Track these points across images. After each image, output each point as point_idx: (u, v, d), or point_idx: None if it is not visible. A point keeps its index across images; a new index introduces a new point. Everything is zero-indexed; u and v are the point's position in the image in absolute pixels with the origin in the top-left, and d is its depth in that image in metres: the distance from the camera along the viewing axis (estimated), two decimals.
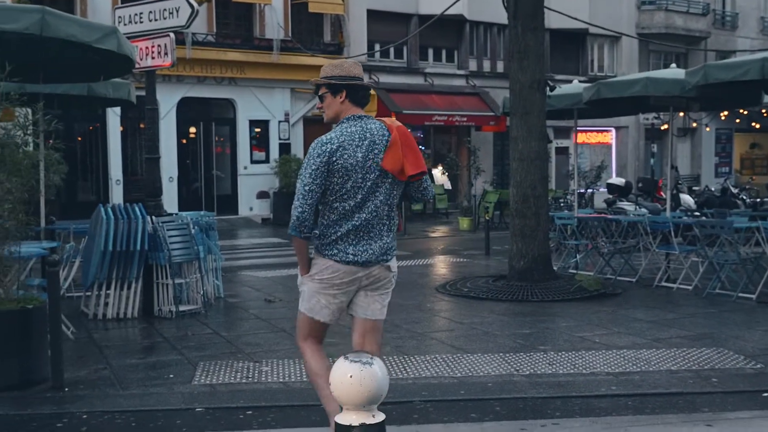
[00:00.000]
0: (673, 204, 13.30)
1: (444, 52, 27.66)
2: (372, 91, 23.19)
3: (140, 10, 9.36)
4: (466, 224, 21.24)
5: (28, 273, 8.10)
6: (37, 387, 6.18)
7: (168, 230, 9.06)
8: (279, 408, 5.76)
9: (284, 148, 23.73)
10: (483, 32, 28.23)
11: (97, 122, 21.15)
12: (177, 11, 8.95)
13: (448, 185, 25.87)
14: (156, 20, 9.18)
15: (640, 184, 20.86)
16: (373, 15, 25.37)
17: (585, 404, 5.81)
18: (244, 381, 6.42)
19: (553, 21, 18.30)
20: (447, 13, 17.13)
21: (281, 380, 6.42)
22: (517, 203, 10.71)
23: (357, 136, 4.41)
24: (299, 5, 23.63)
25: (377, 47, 25.31)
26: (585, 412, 5.65)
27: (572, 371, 6.61)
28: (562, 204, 21.11)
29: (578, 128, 14.12)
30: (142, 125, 21.69)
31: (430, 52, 27.26)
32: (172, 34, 9.10)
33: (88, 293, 9.10)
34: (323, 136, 4.43)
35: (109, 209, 8.77)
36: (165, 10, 9.07)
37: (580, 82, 14.52)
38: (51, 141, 7.12)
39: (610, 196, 18.16)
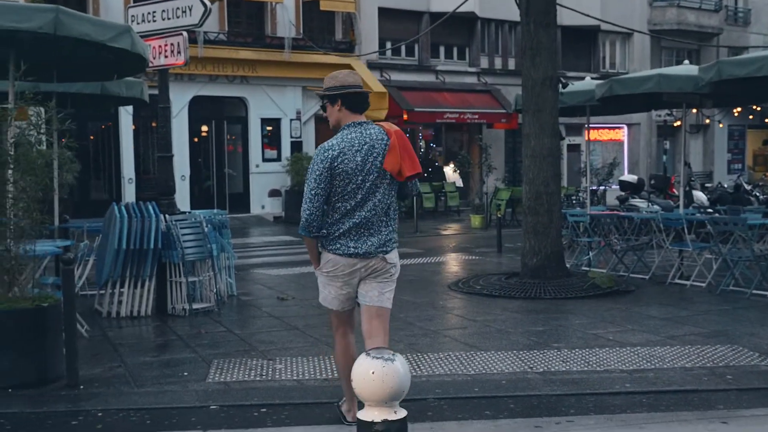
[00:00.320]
0: (686, 201, 13.25)
1: (455, 50, 27.62)
2: (383, 89, 23.21)
3: (153, 8, 9.38)
4: (478, 222, 21.22)
5: (42, 271, 8.13)
6: (52, 385, 6.21)
7: (181, 228, 9.08)
8: (293, 406, 5.77)
9: (296, 146, 23.75)
10: (494, 29, 28.17)
11: (110, 121, 21.21)
12: (190, 10, 8.96)
13: (459, 183, 25.85)
14: (169, 19, 9.20)
15: (652, 181, 20.76)
16: (384, 12, 25.35)
17: (599, 401, 5.80)
18: (258, 379, 6.43)
19: (564, 18, 18.27)
20: (458, 10, 17.12)
21: (295, 378, 6.43)
22: (530, 200, 10.68)
23: (357, 141, 4.82)
24: (311, 3, 23.63)
25: (389, 45, 25.31)
26: (599, 409, 5.64)
27: (586, 368, 6.60)
28: (574, 201, 21.06)
29: (590, 125, 14.07)
30: (154, 124, 21.76)
31: (442, 49, 27.23)
32: (185, 33, 9.12)
33: (102, 291, 9.14)
34: (326, 143, 4.88)
35: (123, 208, 8.80)
36: (178, 8, 9.09)
37: (592, 79, 14.46)
38: (64, 140, 7.15)
39: (623, 193, 18.09)
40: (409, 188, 5.07)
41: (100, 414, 5.64)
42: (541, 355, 7.00)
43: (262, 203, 23.41)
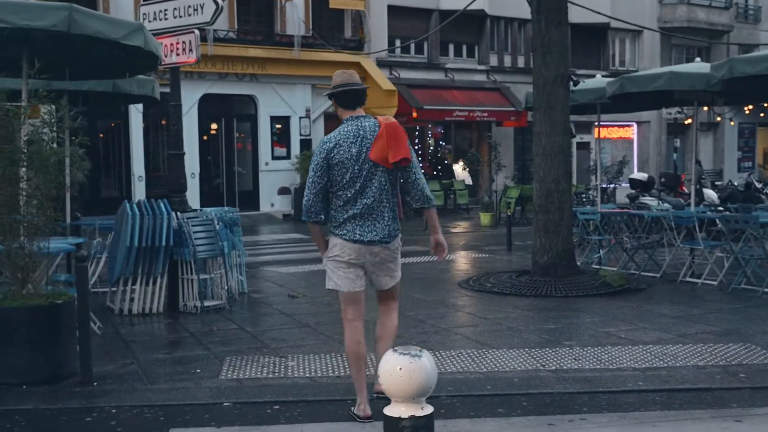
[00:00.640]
0: (697, 199, 13.21)
1: (465, 48, 27.62)
2: (392, 87, 23.21)
3: (165, 7, 9.40)
4: (487, 220, 21.20)
5: (54, 269, 8.16)
6: (65, 381, 6.24)
7: (193, 226, 9.10)
8: (306, 403, 5.77)
9: (305, 143, 23.77)
10: (504, 27, 28.16)
11: (119, 119, 21.29)
12: (201, 8, 8.98)
13: (468, 181, 25.84)
14: (180, 17, 9.21)
15: (662, 179, 20.72)
16: (393, 10, 25.36)
17: (612, 399, 5.79)
18: (270, 376, 6.44)
19: (574, 15, 18.17)
20: (468, 8, 17.10)
21: (307, 375, 6.44)
22: (541, 198, 10.66)
23: (352, 134, 5.23)
24: (320, 1, 23.65)
25: (398, 42, 25.30)
26: (612, 407, 5.63)
27: (598, 366, 6.59)
28: (584, 199, 21.03)
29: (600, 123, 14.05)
30: (164, 122, 21.83)
31: (451, 47, 27.23)
32: (196, 31, 9.14)
33: (114, 289, 9.17)
34: (325, 137, 5.37)
35: (135, 205, 8.82)
36: (189, 6, 9.11)
37: (602, 77, 14.43)
38: (74, 138, 7.17)
39: (633, 191, 18.08)
40: (407, 182, 5.32)
41: (114, 410, 5.66)
42: (553, 353, 6.99)
43: (272, 201, 23.45)
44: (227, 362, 6.81)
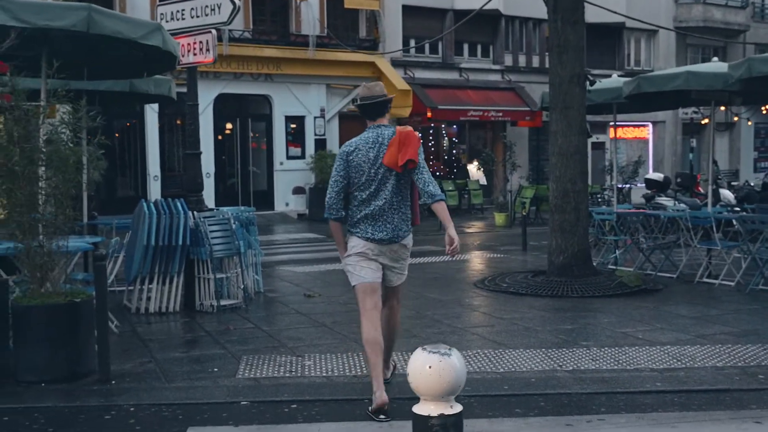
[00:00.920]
0: (713, 199, 13.14)
1: (479, 47, 27.57)
2: (407, 87, 23.22)
3: (182, 6, 9.43)
4: (502, 220, 21.16)
5: (72, 268, 8.20)
6: (84, 380, 6.27)
7: (209, 225, 9.13)
8: (323, 402, 5.78)
9: (320, 143, 23.80)
10: (519, 27, 28.10)
11: (135, 119, 21.37)
12: (219, 8, 9.00)
13: (483, 181, 25.79)
14: (198, 17, 9.24)
15: (678, 179, 20.64)
16: (408, 10, 25.35)
17: (630, 400, 5.78)
18: (287, 375, 6.45)
19: (589, 15, 18.11)
20: (483, 8, 17.07)
21: (324, 374, 6.45)
22: (557, 198, 10.64)
23: (371, 140, 5.68)
24: (335, 1, 23.66)
25: (412, 42, 25.30)
26: (630, 408, 5.61)
27: (616, 367, 6.57)
28: (599, 199, 20.97)
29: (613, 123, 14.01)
30: (179, 121, 21.92)
31: (466, 47, 27.19)
32: (213, 31, 9.16)
33: (131, 288, 9.21)
34: (349, 140, 5.81)
35: (152, 204, 8.86)
36: (207, 6, 9.13)
37: (619, 77, 14.38)
38: (91, 137, 7.20)
39: (649, 192, 18.00)
40: (419, 182, 5.64)
41: (132, 409, 5.69)
42: (570, 354, 6.97)
43: (287, 201, 23.49)
44: (244, 361, 6.83)
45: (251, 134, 23.60)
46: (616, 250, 12.50)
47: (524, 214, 17.13)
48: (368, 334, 5.57)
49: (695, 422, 5.32)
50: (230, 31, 21.24)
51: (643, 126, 31.35)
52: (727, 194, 17.61)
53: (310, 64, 23.15)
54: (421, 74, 25.52)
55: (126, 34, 7.13)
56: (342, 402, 5.80)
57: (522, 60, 28.25)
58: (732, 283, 10.26)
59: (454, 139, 27.53)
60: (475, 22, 21.09)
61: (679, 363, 6.67)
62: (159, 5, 10.06)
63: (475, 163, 26.04)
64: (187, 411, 5.64)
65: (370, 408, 5.44)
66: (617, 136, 18.81)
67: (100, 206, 17.30)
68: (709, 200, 12.13)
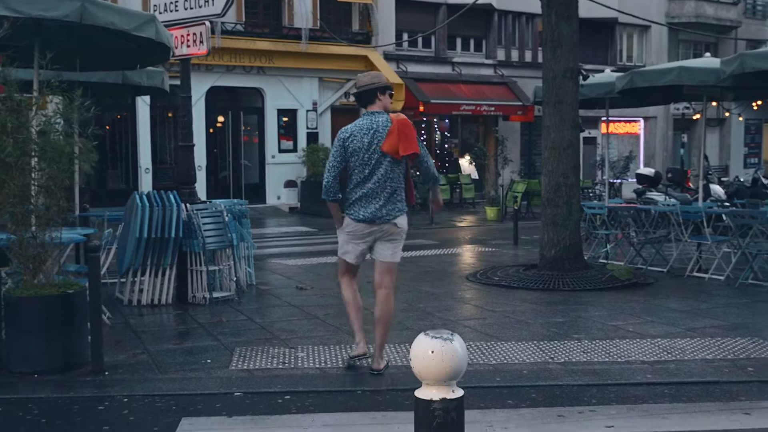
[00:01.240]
0: (703, 194, 13.20)
1: (472, 42, 27.59)
2: (400, 81, 23.23)
3: None
4: (493, 214, 21.22)
5: (63, 259, 8.19)
6: (77, 371, 6.27)
7: (202, 218, 9.13)
8: (317, 393, 5.81)
9: (312, 137, 23.79)
10: (511, 21, 28.11)
11: (126, 111, 21.32)
12: (212, 0, 9.00)
13: (475, 175, 25.83)
14: (191, 8, 9.24)
15: (669, 175, 20.73)
16: (401, 4, 25.34)
17: (621, 392, 5.82)
18: (280, 366, 6.47)
19: (582, 10, 18.15)
20: (475, 2, 17.09)
21: (317, 366, 6.47)
22: (549, 192, 10.67)
23: (366, 127, 6.08)
24: None
25: (405, 36, 25.30)
26: (621, 399, 5.66)
27: (607, 359, 6.61)
28: (591, 194, 21.04)
29: (605, 118, 14.05)
30: (170, 114, 21.88)
31: (458, 41, 27.21)
32: (207, 23, 9.16)
33: (123, 280, 9.20)
34: (344, 127, 6.23)
35: (144, 196, 8.85)
36: None
37: (611, 72, 14.43)
38: (85, 129, 7.19)
39: (640, 186, 18.08)
40: (419, 169, 6.31)
41: (125, 399, 5.70)
42: (561, 346, 7.02)
43: (278, 194, 23.49)
44: (237, 353, 6.85)
45: (243, 127, 23.58)
46: (607, 244, 12.56)
47: (516, 208, 17.18)
48: (347, 297, 6.33)
49: (685, 413, 5.37)
50: (222, 23, 21.20)
51: (635, 121, 31.44)
52: (717, 189, 17.68)
53: (303, 58, 23.13)
54: (413, 68, 25.53)
55: (119, 25, 7.12)
56: (335, 393, 5.82)
57: (514, 54, 28.28)
58: (722, 278, 10.32)
59: (446, 133, 27.55)
60: (467, 17, 21.09)
61: (670, 356, 6.72)
62: None
63: (467, 157, 26.08)
64: (181, 402, 5.66)
65: (350, 354, 6.35)
66: (609, 131, 18.85)
67: (91, 198, 17.28)
68: (700, 195, 12.19)
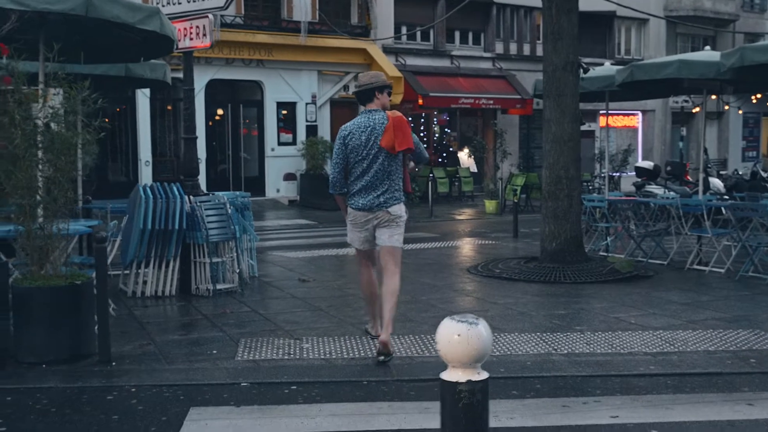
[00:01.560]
0: (702, 187, 13.26)
1: (471, 35, 27.59)
2: (398, 74, 23.27)
3: None
4: (492, 207, 21.26)
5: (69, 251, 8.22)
6: (84, 361, 6.31)
7: (205, 210, 9.17)
8: (323, 384, 5.86)
9: (311, 130, 23.79)
10: (510, 15, 28.11)
11: (125, 104, 21.30)
12: None
13: (474, 168, 25.86)
14: (194, 1, 9.23)
15: (668, 168, 20.79)
16: None
17: (625, 383, 5.88)
18: (286, 357, 6.52)
19: (580, 3, 18.20)
20: None
21: (323, 357, 6.52)
22: (550, 185, 10.72)
23: (363, 124, 6.54)
24: None
25: (404, 29, 25.29)
26: (625, 390, 5.71)
27: (610, 351, 6.67)
28: (590, 187, 21.09)
29: (604, 112, 14.10)
30: (169, 107, 21.90)
31: (457, 34, 27.21)
32: (210, 16, 9.17)
33: (127, 271, 9.24)
34: (344, 125, 6.71)
35: (148, 189, 8.88)
36: None
37: (612, 65, 14.47)
38: (90, 121, 7.21)
39: (639, 180, 18.13)
40: (418, 156, 6.85)
41: (133, 389, 5.74)
42: (564, 338, 7.07)
43: (277, 187, 23.50)
44: (242, 344, 6.89)
45: (243, 120, 23.59)
46: (608, 237, 12.61)
47: (515, 201, 17.23)
48: (363, 285, 6.92)
49: (689, 404, 5.43)
50: (222, 16, 21.18)
51: (633, 114, 31.48)
52: (716, 183, 17.75)
53: (302, 51, 23.12)
54: (412, 61, 25.54)
55: (124, 18, 7.15)
56: (341, 383, 5.87)
57: (513, 48, 28.29)
58: (722, 270, 10.39)
59: (444, 126, 27.58)
60: (466, 10, 21.11)
61: (672, 347, 6.78)
62: None
63: (466, 150, 26.10)
64: (188, 392, 5.70)
65: (367, 327, 7.14)
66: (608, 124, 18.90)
67: (94, 190, 17.30)
68: (700, 188, 12.25)
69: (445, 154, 26.95)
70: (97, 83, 10.48)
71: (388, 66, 23.43)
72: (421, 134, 26.37)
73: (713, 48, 26.34)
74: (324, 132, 23.77)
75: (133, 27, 7.40)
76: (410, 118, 25.20)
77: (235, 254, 9.53)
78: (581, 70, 10.89)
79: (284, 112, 23.65)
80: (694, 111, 29.22)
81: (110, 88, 11.87)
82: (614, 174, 23.50)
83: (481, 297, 9.24)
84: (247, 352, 6.64)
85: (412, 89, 24.00)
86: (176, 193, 8.93)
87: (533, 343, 6.89)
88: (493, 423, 4.85)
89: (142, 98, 21.03)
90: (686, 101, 27.12)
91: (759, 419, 5.16)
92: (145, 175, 21.25)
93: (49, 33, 7.50)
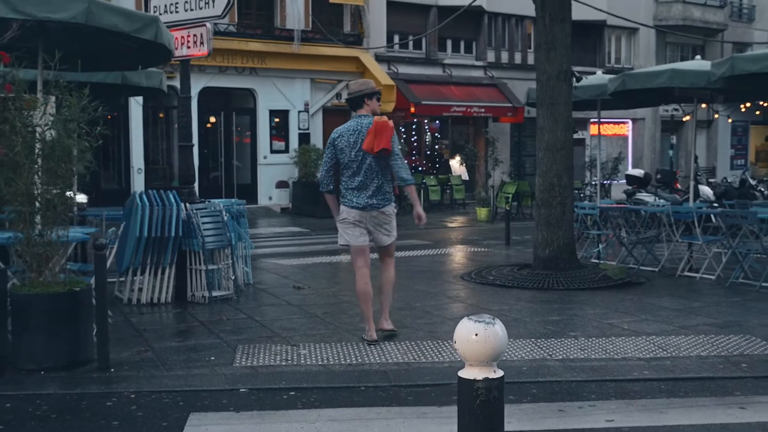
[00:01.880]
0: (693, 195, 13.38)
1: (462, 43, 27.74)
2: (391, 82, 23.37)
3: (176, 0, 9.50)
4: (484, 214, 21.36)
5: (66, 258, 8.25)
6: (83, 368, 6.34)
7: (201, 217, 9.22)
8: (321, 389, 5.91)
9: (304, 137, 23.87)
10: (501, 23, 28.28)
11: (118, 111, 21.31)
12: (213, 1, 9.07)
13: (465, 176, 25.97)
14: (192, 10, 9.31)
15: (658, 176, 20.95)
16: (392, 5, 25.46)
17: (619, 387, 5.96)
18: (284, 363, 6.56)
19: (572, 12, 18.37)
20: (465, 3, 17.22)
21: (320, 363, 6.57)
22: (543, 193, 10.80)
23: (352, 128, 7.07)
24: None
25: (396, 38, 25.41)
26: (620, 394, 5.79)
27: (604, 356, 6.75)
28: (581, 195, 21.22)
29: (595, 120, 14.22)
30: (161, 115, 21.93)
31: (449, 43, 27.35)
32: (208, 24, 9.24)
33: (122, 278, 9.27)
34: (336, 128, 7.21)
35: (144, 196, 8.93)
36: (201, 0, 9.21)
37: (603, 73, 14.60)
38: (88, 128, 7.26)
39: (630, 187, 18.27)
40: (394, 169, 7.08)
41: (133, 396, 5.79)
42: (559, 343, 7.15)
43: (270, 194, 23.55)
44: (240, 350, 6.94)
45: (235, 128, 23.64)
46: (599, 244, 12.71)
47: (507, 209, 17.33)
48: (359, 287, 7.13)
49: (683, 408, 5.51)
50: (215, 24, 21.20)
51: (623, 123, 31.66)
52: (706, 190, 17.90)
53: (295, 59, 23.21)
54: (404, 69, 25.66)
55: (122, 27, 7.18)
56: (340, 389, 5.93)
57: (504, 56, 28.45)
58: (713, 277, 10.49)
59: (436, 134, 27.69)
60: (458, 19, 21.26)
61: (665, 352, 6.86)
62: None
63: (458, 158, 26.21)
64: (188, 398, 5.75)
65: (363, 335, 7.17)
66: (596, 132, 19.06)
67: (93, 198, 17.31)
68: (691, 195, 12.36)
69: (436, 162, 27.06)
70: (93, 91, 10.60)
71: (381, 74, 23.54)
72: (413, 142, 26.49)
73: (702, 57, 26.58)
74: (316, 140, 23.84)
75: (131, 35, 7.44)
76: (402, 128, 25.32)
77: (230, 261, 9.58)
78: (574, 79, 10.99)
79: (277, 119, 23.72)
80: (684, 120, 29.43)
81: (106, 96, 11.93)
82: (605, 182, 23.64)
83: (476, 304, 9.31)
84: (245, 359, 6.69)
85: (404, 97, 24.10)
86: (172, 200, 8.97)
87: (528, 349, 6.97)
88: None
89: (135, 106, 21.06)
90: (676, 110, 27.34)
91: (751, 422, 5.24)
92: (138, 182, 21.26)
93: (48, 41, 7.54)
